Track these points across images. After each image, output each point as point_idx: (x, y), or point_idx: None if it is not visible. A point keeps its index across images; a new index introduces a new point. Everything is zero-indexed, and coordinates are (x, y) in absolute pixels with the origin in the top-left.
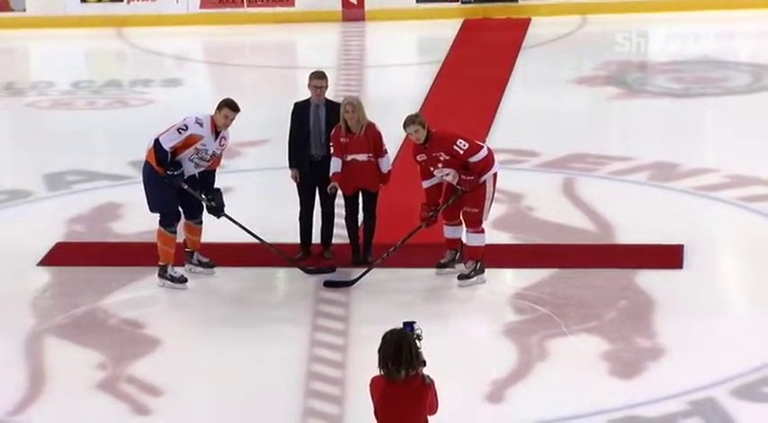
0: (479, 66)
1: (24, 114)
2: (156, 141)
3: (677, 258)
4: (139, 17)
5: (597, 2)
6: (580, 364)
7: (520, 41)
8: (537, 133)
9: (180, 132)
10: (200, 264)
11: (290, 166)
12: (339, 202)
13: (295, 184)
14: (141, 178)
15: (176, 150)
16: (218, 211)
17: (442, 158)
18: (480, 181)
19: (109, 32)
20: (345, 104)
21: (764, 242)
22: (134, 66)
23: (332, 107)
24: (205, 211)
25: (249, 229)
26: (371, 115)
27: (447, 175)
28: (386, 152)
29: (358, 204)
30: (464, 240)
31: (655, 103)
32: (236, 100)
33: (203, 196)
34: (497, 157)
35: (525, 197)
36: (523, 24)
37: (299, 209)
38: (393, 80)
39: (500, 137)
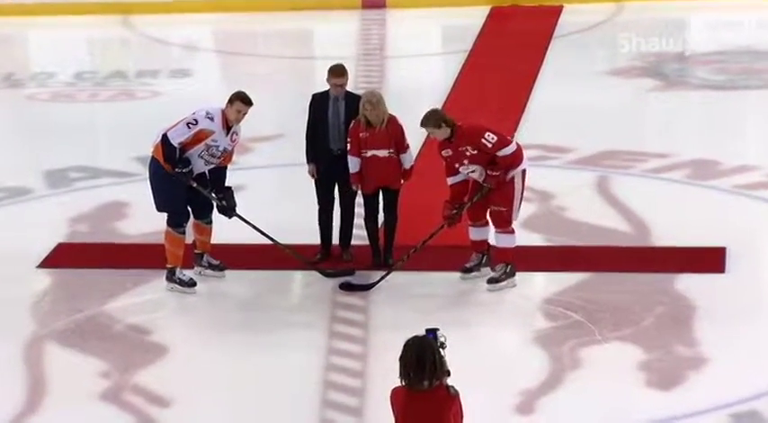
0: (508, 56)
1: (24, 107)
2: (164, 137)
3: (719, 261)
4: (146, 4)
5: None
6: (615, 373)
7: (551, 30)
8: (569, 128)
9: (189, 127)
10: (211, 266)
11: (308, 161)
12: (359, 200)
13: (312, 181)
14: (147, 175)
15: (185, 146)
16: (229, 210)
17: (468, 153)
18: (507, 177)
19: (114, 20)
20: (365, 102)
21: None
22: (140, 55)
23: (352, 99)
24: (215, 210)
25: (262, 230)
26: (392, 109)
27: (473, 171)
28: (408, 147)
29: (378, 204)
30: (491, 242)
31: (695, 96)
32: (248, 92)
33: (213, 195)
34: (526, 154)
35: (556, 196)
36: (555, 12)
37: (317, 207)
38: (415, 72)
39: (530, 132)
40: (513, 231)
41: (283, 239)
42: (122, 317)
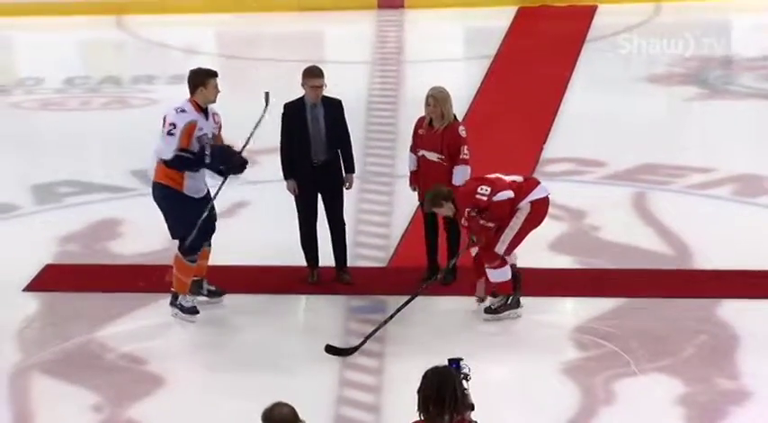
0: (536, 61)
1: (9, 116)
2: (164, 162)
3: (766, 286)
4: (142, 3)
5: None
6: (652, 408)
7: (584, 33)
8: (603, 140)
9: (172, 134)
10: (209, 293)
11: (286, 178)
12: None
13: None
14: (154, 201)
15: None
16: (242, 165)
17: (466, 213)
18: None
19: (107, 21)
20: (428, 97)
21: None
22: (136, 59)
23: (330, 105)
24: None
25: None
26: (410, 118)
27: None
28: (464, 161)
29: (435, 214)
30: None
31: (741, 105)
32: (253, 99)
33: (221, 168)
34: (558, 167)
35: (589, 214)
36: (588, 13)
37: (298, 225)
38: (435, 78)
39: (560, 144)
40: (501, 265)
41: (291, 260)
42: (116, 345)
